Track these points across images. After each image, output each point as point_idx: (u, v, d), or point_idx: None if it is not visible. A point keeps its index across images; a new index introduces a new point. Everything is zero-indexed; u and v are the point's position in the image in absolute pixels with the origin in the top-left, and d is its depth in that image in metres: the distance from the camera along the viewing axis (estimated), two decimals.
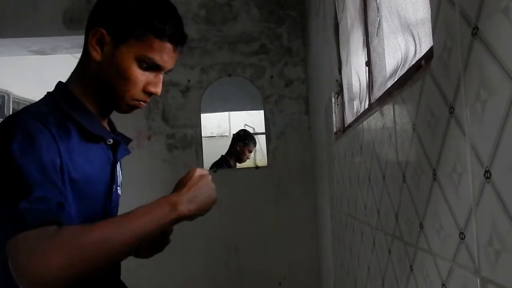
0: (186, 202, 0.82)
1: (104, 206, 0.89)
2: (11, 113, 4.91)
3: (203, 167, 2.82)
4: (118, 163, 0.97)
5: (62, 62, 4.62)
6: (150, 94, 0.90)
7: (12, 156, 0.71)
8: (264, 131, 2.92)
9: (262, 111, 2.90)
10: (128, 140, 1.02)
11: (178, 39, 0.88)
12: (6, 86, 4.81)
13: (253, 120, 3.71)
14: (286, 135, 2.88)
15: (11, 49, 3.09)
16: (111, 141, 0.91)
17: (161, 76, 0.90)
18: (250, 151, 3.21)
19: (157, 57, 0.86)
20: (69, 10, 2.86)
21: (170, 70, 0.91)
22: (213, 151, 3.20)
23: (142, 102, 0.91)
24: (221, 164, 3.05)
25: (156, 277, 2.73)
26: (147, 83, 0.88)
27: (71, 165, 0.79)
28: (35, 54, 3.23)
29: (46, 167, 0.73)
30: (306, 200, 2.80)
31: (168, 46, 0.87)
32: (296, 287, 2.80)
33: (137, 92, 0.88)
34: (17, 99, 5.11)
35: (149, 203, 0.79)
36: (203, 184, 0.87)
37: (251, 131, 3.46)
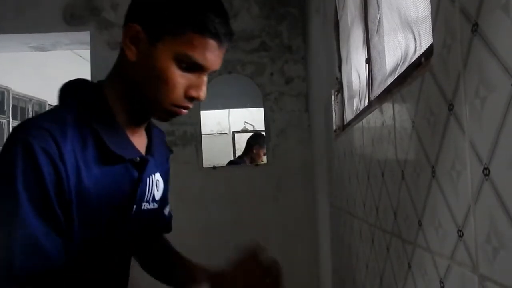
0: None
1: (111, 232, 0.81)
2: (10, 109, 4.92)
3: (202, 164, 2.82)
4: (158, 175, 0.89)
5: (62, 58, 4.63)
6: (192, 99, 0.79)
7: (14, 186, 0.68)
8: (264, 128, 2.92)
9: (262, 109, 2.90)
10: (166, 153, 0.95)
11: (223, 35, 0.77)
12: (6, 82, 4.81)
13: (253, 117, 3.70)
14: (286, 132, 2.87)
15: (11, 45, 3.09)
16: (138, 159, 0.82)
17: (204, 78, 0.79)
18: (265, 154, 3.29)
19: (198, 56, 0.75)
20: (70, 6, 2.85)
21: (215, 71, 0.80)
22: (212, 149, 3.21)
23: (183, 109, 0.80)
24: (238, 164, 3.16)
25: None
26: (188, 87, 0.78)
27: (76, 187, 0.74)
28: (35, 50, 3.23)
29: (46, 200, 0.71)
30: (305, 198, 2.80)
31: (211, 42, 0.76)
32: (295, 285, 2.80)
33: (177, 96, 0.77)
34: (17, 95, 5.11)
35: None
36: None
37: (250, 128, 3.47)
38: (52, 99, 5.75)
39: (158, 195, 0.91)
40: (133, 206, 0.83)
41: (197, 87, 0.79)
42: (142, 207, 0.86)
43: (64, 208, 0.73)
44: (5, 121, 4.93)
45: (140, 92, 0.79)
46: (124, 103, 0.81)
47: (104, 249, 0.82)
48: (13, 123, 5.03)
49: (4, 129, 4.93)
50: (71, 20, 2.85)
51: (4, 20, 2.81)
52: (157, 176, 0.90)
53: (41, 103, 5.63)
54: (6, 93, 4.89)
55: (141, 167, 0.83)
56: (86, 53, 3.12)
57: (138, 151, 0.84)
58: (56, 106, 0.82)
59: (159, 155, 0.91)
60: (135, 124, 0.85)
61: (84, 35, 2.86)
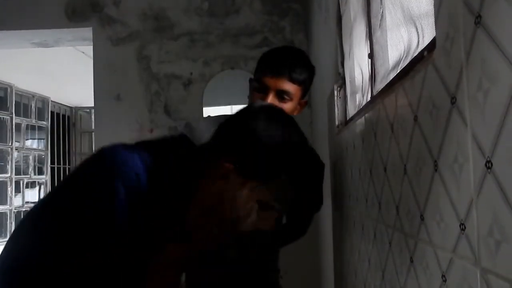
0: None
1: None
2: (14, 106, 4.93)
3: None
4: None
5: (65, 55, 4.63)
6: None
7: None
8: None
9: None
10: None
11: None
12: (8, 78, 4.82)
13: None
14: None
15: (13, 41, 3.10)
16: None
17: None
18: None
19: None
20: (72, 2, 2.85)
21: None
22: None
23: None
24: None
25: None
26: None
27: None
28: (38, 47, 3.23)
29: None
30: None
31: None
32: (297, 281, 2.80)
33: None
34: (20, 91, 5.12)
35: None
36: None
37: None
38: (54, 95, 5.76)
39: None
40: None
41: None
42: None
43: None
44: (8, 117, 4.95)
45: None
46: None
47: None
48: (16, 120, 5.05)
49: (7, 126, 4.95)
50: (73, 16, 2.86)
51: (6, 17, 2.81)
52: None
53: (44, 100, 5.65)
54: (9, 89, 4.90)
55: None
56: (89, 49, 3.12)
57: None
58: (145, 147, 0.90)
59: None
60: None
61: (87, 32, 2.86)
